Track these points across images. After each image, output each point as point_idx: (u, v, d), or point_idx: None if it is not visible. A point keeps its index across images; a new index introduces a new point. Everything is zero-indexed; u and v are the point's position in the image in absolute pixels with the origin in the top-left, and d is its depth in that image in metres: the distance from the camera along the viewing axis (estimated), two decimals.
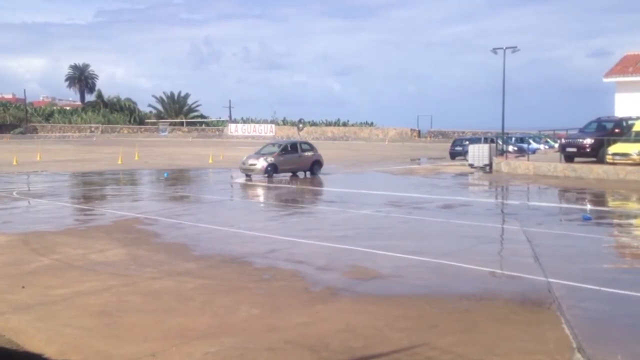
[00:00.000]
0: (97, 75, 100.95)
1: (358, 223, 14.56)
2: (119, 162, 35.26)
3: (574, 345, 6.19)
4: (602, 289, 8.35)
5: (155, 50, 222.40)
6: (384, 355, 5.88)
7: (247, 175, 26.24)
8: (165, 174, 28.77)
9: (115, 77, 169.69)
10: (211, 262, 10.25)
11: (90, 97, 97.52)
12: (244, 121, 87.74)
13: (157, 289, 8.58)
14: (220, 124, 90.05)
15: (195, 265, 10.06)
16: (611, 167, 24.96)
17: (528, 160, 29.18)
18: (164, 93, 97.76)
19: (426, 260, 10.69)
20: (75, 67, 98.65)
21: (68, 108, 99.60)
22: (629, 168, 24.40)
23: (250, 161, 26.42)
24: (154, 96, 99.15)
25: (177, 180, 27.06)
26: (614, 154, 25.35)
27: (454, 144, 41.48)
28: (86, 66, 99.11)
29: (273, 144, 29.04)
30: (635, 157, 24.75)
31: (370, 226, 14.17)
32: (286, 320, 7.11)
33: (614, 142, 26.15)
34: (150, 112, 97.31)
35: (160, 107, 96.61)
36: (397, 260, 10.54)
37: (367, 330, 6.72)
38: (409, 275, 9.79)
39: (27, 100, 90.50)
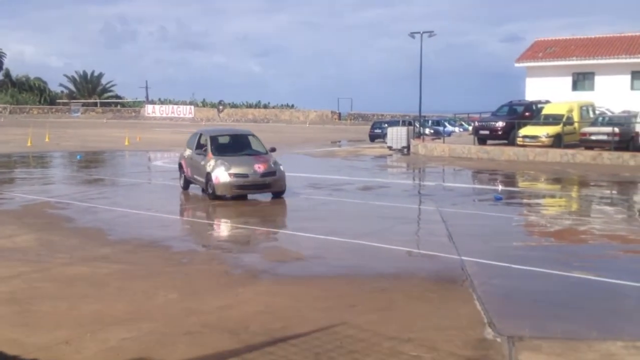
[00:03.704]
0: (4, 54, 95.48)
1: (278, 205, 14.56)
2: (29, 144, 33.71)
3: (485, 320, 6.44)
4: (512, 266, 8.73)
5: (66, 28, 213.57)
6: (303, 335, 5.92)
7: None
8: (79, 156, 27.78)
9: (24, 56, 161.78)
10: (127, 247, 10.00)
11: None
12: (162, 102, 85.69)
13: (71, 275, 8.30)
14: (136, 105, 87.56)
15: (111, 250, 9.79)
16: (521, 149, 26.04)
17: (444, 142, 30.00)
18: (76, 72, 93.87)
19: (346, 241, 10.83)
20: None
21: None
22: (538, 150, 25.53)
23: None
24: (65, 75, 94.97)
25: (91, 162, 26.19)
26: (524, 137, 26.43)
27: (373, 127, 42.08)
28: None
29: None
30: (544, 139, 25.89)
31: (290, 208, 14.21)
32: (205, 303, 7.04)
33: (524, 125, 27.26)
34: (62, 92, 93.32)
35: (72, 86, 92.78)
36: (317, 242, 10.63)
37: (286, 312, 6.76)
38: (328, 256, 9.89)
39: None
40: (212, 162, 14.69)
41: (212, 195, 14.50)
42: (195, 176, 15.76)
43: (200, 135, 16.44)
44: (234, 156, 15.12)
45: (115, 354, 5.56)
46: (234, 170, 14.45)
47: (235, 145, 15.97)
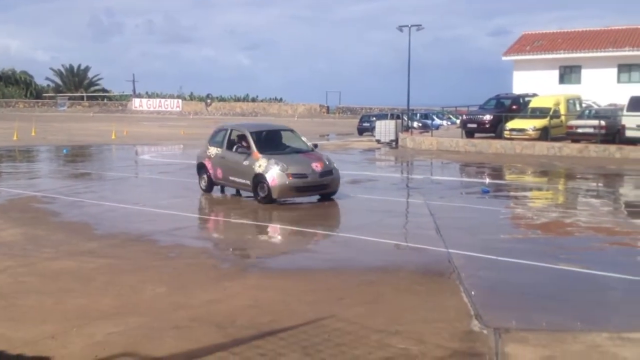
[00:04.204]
0: None
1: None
2: (15, 137, 33.45)
3: (472, 312, 6.47)
4: (499, 258, 8.77)
5: (52, 22, 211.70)
6: (290, 328, 5.92)
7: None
8: (65, 150, 27.59)
9: (9, 49, 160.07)
10: (114, 241, 9.94)
11: None
12: (149, 96, 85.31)
13: (57, 270, 8.24)
14: (123, 99, 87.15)
15: (97, 244, 9.73)
16: (509, 142, 26.15)
17: (432, 136, 30.07)
18: (63, 66, 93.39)
19: (334, 235, 10.85)
20: None
21: None
22: (525, 143, 25.65)
23: None
24: (52, 69, 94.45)
25: (77, 156, 26.02)
26: (512, 130, 26.55)
27: (361, 120, 42.15)
28: None
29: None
30: (531, 132, 26.02)
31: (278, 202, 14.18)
32: (193, 298, 7.02)
33: (512, 118, 27.38)
34: (48, 85, 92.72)
35: (58, 80, 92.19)
36: (305, 235, 10.63)
37: (274, 305, 6.75)
38: (317, 249, 9.90)
39: None
40: (262, 162, 13.15)
41: (266, 199, 13.01)
42: (231, 177, 14.06)
43: (230, 131, 14.67)
44: (284, 154, 13.66)
45: (102, 348, 5.53)
46: (292, 170, 13.00)
47: (279, 142, 14.50)
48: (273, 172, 12.94)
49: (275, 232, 11.09)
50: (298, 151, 14.08)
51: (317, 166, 13.33)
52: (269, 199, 13.01)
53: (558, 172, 20.35)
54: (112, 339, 5.75)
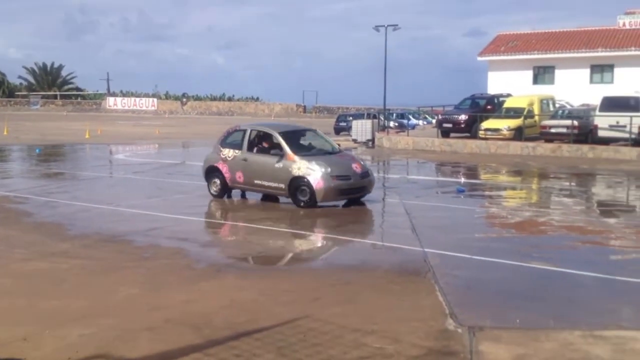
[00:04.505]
0: None
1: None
2: None
3: (447, 311, 6.51)
4: (474, 257, 8.84)
5: (26, 19, 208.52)
6: (267, 329, 5.90)
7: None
8: (38, 150, 27.21)
9: None
10: (88, 242, 9.82)
11: None
12: (124, 94, 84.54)
13: (29, 271, 8.12)
14: (97, 97, 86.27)
15: (71, 245, 9.60)
16: (483, 142, 26.39)
17: (408, 135, 30.22)
18: (36, 64, 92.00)
19: (309, 234, 10.84)
20: None
21: None
22: (500, 143, 25.90)
23: None
24: (24, 67, 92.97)
25: (50, 156, 25.66)
26: (486, 130, 26.79)
27: (338, 120, 42.26)
28: None
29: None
30: (505, 132, 26.27)
31: (255, 201, 14.11)
32: (168, 298, 6.96)
33: (486, 118, 27.62)
34: (21, 84, 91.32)
35: (31, 78, 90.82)
36: (282, 235, 10.61)
37: (251, 305, 6.73)
38: (293, 249, 9.89)
39: None
40: (301, 164, 12.50)
41: (308, 202, 12.41)
42: (257, 181, 13.18)
43: (250, 131, 13.77)
44: (319, 156, 13.05)
45: (75, 350, 5.46)
46: (335, 172, 12.45)
47: (309, 144, 13.79)
48: (317, 174, 12.33)
49: (252, 231, 11.03)
50: (329, 152, 13.50)
51: (357, 167, 12.92)
52: (311, 203, 12.41)
53: (532, 172, 20.58)
54: (85, 341, 5.68)
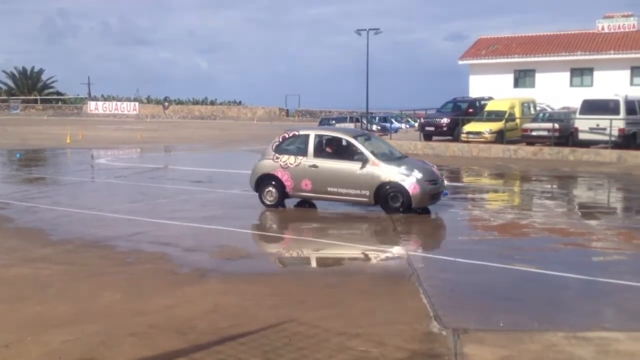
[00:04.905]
0: None
1: (226, 203, 14.42)
2: None
3: (431, 313, 6.53)
4: (457, 259, 8.88)
5: (5, 23, 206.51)
6: (251, 333, 5.89)
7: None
8: (18, 155, 26.91)
9: None
10: (70, 247, 9.73)
11: None
12: (105, 99, 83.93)
13: (10, 277, 8.03)
14: (78, 102, 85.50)
15: (53, 250, 9.51)
16: (465, 145, 26.56)
17: (390, 138, 30.24)
18: (16, 68, 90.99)
19: (294, 238, 10.83)
20: None
21: None
22: (481, 146, 26.09)
23: None
24: (4, 71, 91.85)
25: (31, 161, 25.38)
26: (468, 133, 26.97)
27: (321, 123, 42.37)
28: None
29: None
30: (487, 135, 26.47)
31: (239, 205, 14.07)
32: (151, 303, 6.92)
33: (468, 121, 27.82)
34: (0, 88, 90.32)
35: (11, 83, 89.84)
36: (266, 239, 10.59)
37: (235, 310, 6.70)
38: (277, 253, 9.87)
39: None
40: (391, 170, 12.26)
41: (402, 207, 12.13)
42: (331, 189, 12.51)
43: (314, 137, 13.06)
44: (401, 160, 12.93)
45: (58, 356, 5.40)
46: (427, 177, 12.37)
47: (381, 149, 13.46)
48: (412, 179, 12.12)
49: (235, 236, 10.99)
50: (401, 157, 13.35)
51: (436, 171, 12.93)
52: (406, 208, 12.14)
53: (513, 174, 20.74)
54: (68, 347, 5.63)
